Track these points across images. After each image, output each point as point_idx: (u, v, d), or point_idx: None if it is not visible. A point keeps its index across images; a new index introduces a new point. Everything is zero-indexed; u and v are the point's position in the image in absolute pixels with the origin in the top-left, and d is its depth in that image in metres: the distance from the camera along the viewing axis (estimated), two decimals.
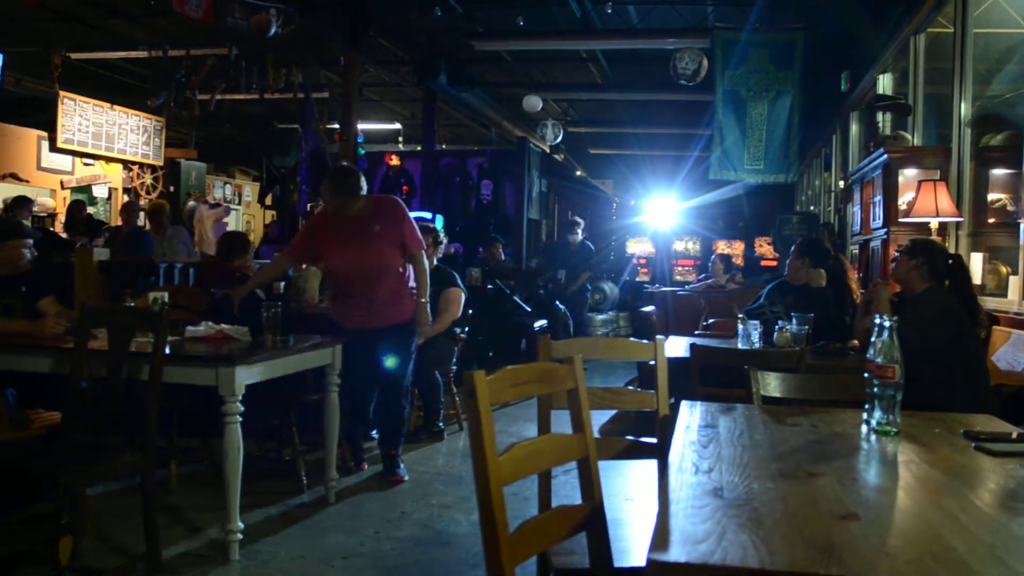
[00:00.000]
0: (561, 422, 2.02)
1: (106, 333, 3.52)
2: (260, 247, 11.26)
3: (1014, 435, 2.00)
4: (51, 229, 10.77)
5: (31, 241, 4.16)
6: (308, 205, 10.46)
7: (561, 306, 8.42)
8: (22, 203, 8.57)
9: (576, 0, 8.85)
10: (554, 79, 12.88)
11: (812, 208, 13.76)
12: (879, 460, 1.82)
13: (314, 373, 4.24)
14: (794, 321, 4.22)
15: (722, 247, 14.64)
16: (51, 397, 3.76)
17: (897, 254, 3.84)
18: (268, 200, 13.23)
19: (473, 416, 1.49)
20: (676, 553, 1.14)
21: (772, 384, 2.61)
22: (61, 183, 12.56)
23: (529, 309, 8.18)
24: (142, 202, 11.99)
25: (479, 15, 9.56)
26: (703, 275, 12.31)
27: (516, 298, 8.24)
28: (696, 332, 6.09)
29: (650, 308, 9.26)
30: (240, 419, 3.35)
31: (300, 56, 10.14)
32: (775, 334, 4.28)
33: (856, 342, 4.29)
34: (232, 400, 3.33)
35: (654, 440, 2.59)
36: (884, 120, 7.31)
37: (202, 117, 11.97)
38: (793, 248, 5.07)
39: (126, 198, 12.17)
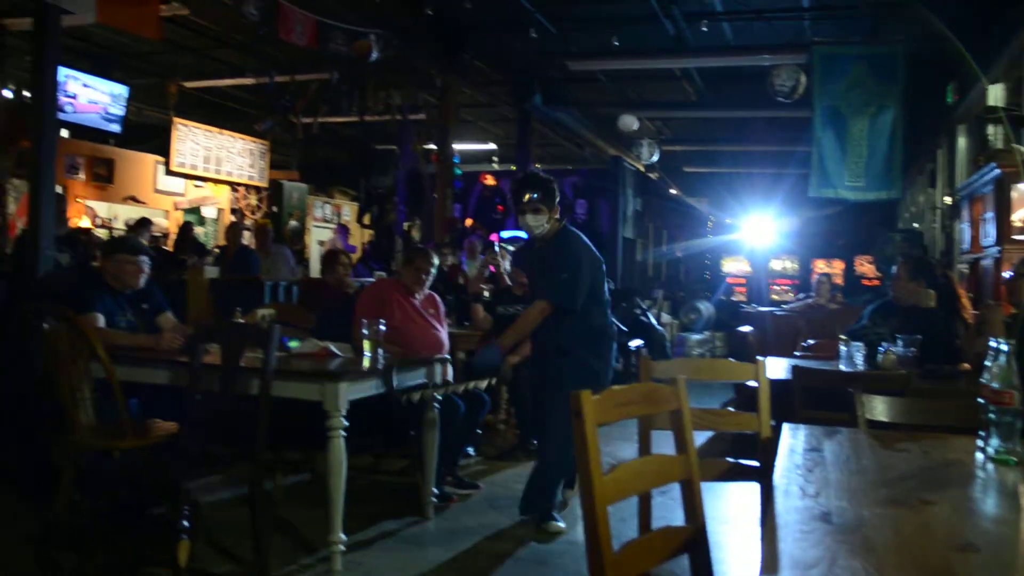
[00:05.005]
0: (659, 442, 2.02)
1: (218, 348, 3.70)
2: (356, 264, 11.56)
3: None
4: (164, 248, 11.33)
5: (144, 259, 4.38)
6: (405, 224, 10.70)
7: (659, 327, 8.34)
8: (143, 224, 9.11)
9: (670, 18, 8.83)
10: (648, 97, 12.83)
11: (915, 225, 13.27)
12: (998, 490, 1.76)
13: None
14: (900, 343, 4.09)
15: (821, 266, 14.28)
16: (164, 408, 3.95)
17: (1009, 274, 3.69)
18: (367, 220, 13.58)
19: (579, 436, 1.52)
20: None
21: (878, 408, 2.55)
22: (175, 205, 13.21)
23: (626, 329, 8.14)
24: (247, 222, 12.50)
25: (573, 35, 9.63)
26: (801, 294, 12.01)
27: (612, 318, 8.19)
28: (795, 353, 5.95)
29: (747, 328, 9.09)
30: (344, 434, 3.46)
31: (399, 79, 10.42)
32: (879, 356, 4.16)
33: (967, 365, 4.13)
34: (336, 415, 3.44)
35: (755, 462, 2.56)
36: (996, 133, 7.03)
37: (304, 140, 12.42)
38: (898, 268, 4.90)
39: (233, 218, 12.71)
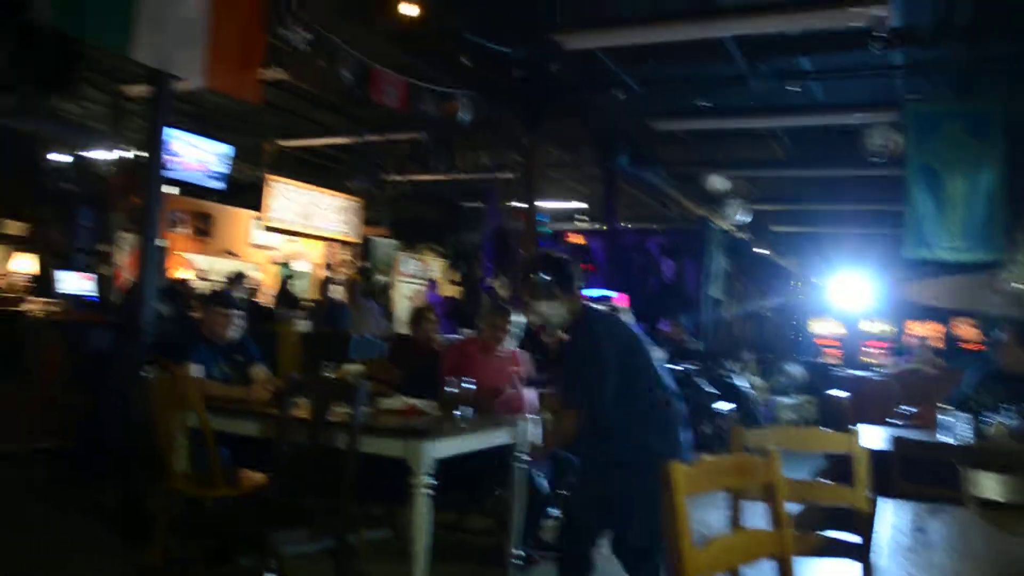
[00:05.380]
0: (748, 509, 1.96)
1: (307, 402, 3.77)
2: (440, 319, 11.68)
3: None
4: (256, 301, 11.70)
5: (237, 312, 4.54)
6: (490, 281, 10.79)
7: (751, 390, 8.11)
8: (239, 277, 9.48)
9: (758, 78, 8.77)
10: (734, 157, 12.72)
11: (1020, 286, 12.66)
12: None
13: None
14: (1010, 414, 3.88)
15: (915, 328, 13.75)
16: (253, 458, 4.04)
17: None
18: (455, 276, 13.77)
19: (669, 508, 1.48)
20: None
21: (989, 485, 2.41)
22: (270, 259, 13.66)
23: (716, 392, 7.92)
24: (337, 276, 12.82)
25: (659, 95, 9.66)
26: (897, 358, 11.57)
27: (701, 381, 8.00)
28: (890, 420, 5.69)
29: (840, 392, 8.78)
30: (430, 492, 3.46)
31: (486, 138, 10.63)
32: (987, 427, 3.95)
33: None
34: (421, 473, 3.45)
35: (853, 537, 2.44)
36: None
37: (395, 197, 12.72)
38: (1007, 333, 4.65)
39: (325, 274, 13.05)
